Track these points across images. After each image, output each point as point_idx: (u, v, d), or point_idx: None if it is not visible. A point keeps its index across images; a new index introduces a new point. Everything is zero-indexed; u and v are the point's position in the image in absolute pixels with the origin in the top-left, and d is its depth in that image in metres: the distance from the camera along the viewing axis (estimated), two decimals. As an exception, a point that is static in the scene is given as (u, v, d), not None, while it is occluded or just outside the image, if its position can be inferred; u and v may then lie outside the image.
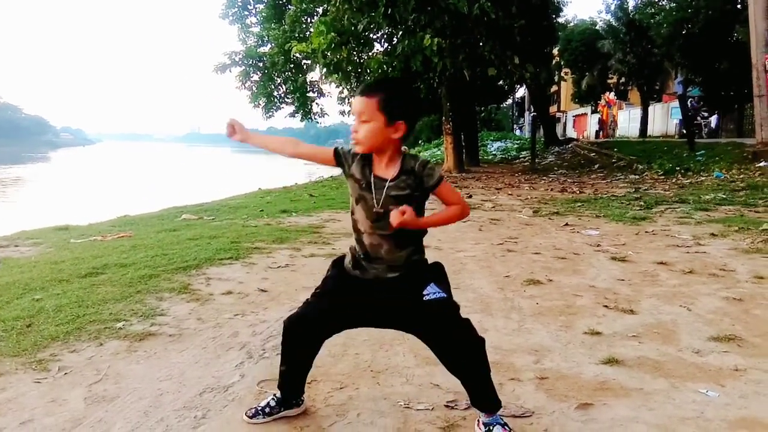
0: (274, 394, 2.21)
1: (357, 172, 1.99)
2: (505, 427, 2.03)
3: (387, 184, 1.94)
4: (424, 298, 1.96)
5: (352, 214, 2.04)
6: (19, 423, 2.15)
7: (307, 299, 2.14)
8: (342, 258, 2.12)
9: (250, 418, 2.16)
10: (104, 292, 3.77)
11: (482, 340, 2.02)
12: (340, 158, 2.03)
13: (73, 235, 6.49)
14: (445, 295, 1.99)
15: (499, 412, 2.06)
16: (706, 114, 21.75)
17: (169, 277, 4.23)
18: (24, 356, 2.74)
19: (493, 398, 2.04)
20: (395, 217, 1.87)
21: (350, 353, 2.85)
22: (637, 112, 33.13)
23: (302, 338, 2.11)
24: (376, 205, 1.95)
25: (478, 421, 2.07)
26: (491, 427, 2.02)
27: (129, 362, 2.73)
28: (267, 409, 2.17)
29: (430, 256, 2.10)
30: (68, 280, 4.09)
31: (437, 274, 2.04)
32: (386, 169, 1.96)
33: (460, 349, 1.99)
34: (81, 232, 6.69)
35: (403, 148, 2.03)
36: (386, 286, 2.00)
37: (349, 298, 2.04)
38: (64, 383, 2.49)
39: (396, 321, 2.08)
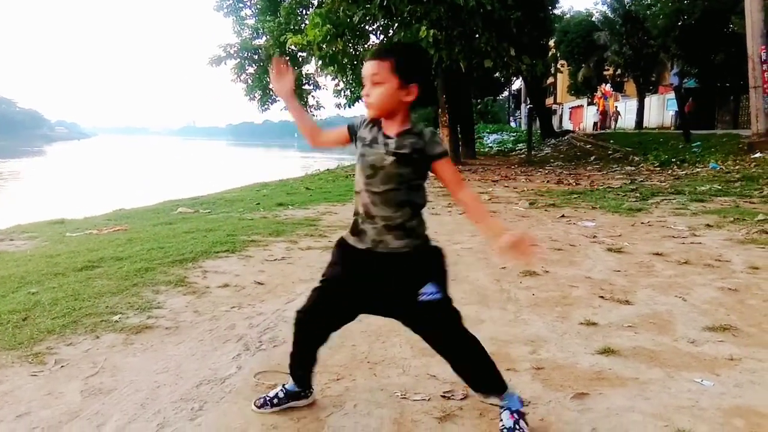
0: (283, 385, 2.22)
1: (365, 133, 1.98)
2: (513, 414, 2.01)
3: (392, 139, 1.91)
4: (419, 299, 1.90)
5: (356, 175, 2.02)
6: (16, 416, 2.15)
7: (314, 289, 2.10)
8: (343, 238, 2.07)
9: (259, 407, 2.18)
10: (100, 286, 3.77)
11: (473, 341, 2.01)
12: (352, 128, 2.03)
13: (68, 228, 6.47)
14: (440, 297, 1.94)
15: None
16: None
17: (165, 270, 4.23)
18: (20, 349, 2.73)
19: (497, 380, 2.04)
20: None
21: (347, 345, 2.86)
22: (633, 103, 33.13)
23: (310, 329, 2.14)
24: (378, 160, 1.91)
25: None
26: (500, 413, 2.03)
27: (125, 355, 2.73)
28: (275, 400, 2.19)
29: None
30: (64, 273, 4.08)
31: (437, 267, 1.97)
32: (394, 130, 1.94)
33: (453, 352, 2.01)
34: (76, 226, 6.67)
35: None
36: (384, 269, 1.94)
37: (351, 286, 2.00)
38: (61, 376, 2.49)
39: (394, 314, 2.06)
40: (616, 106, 32.79)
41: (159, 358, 2.69)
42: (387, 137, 1.93)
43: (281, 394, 2.20)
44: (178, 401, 2.27)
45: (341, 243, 2.05)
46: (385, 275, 1.94)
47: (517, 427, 1.98)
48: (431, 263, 1.97)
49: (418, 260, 1.94)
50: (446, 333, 1.99)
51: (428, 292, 1.91)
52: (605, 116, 32.62)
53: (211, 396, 2.32)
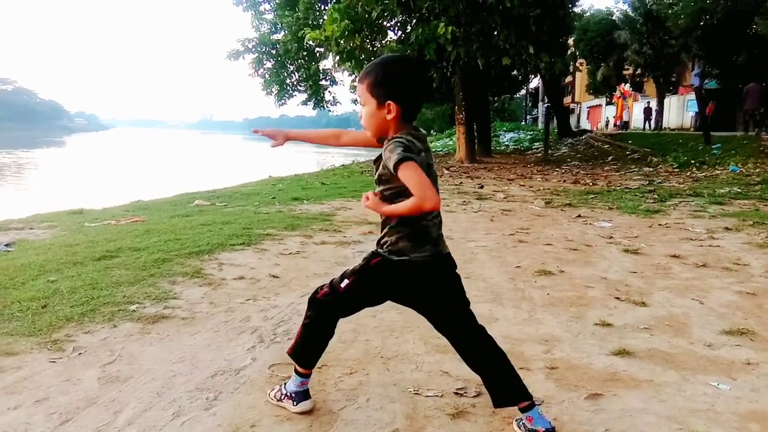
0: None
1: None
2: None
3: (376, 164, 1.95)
4: None
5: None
6: (35, 401, 2.19)
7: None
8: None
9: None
10: (118, 275, 3.81)
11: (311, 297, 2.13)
12: None
13: (87, 218, 6.56)
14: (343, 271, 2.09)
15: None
16: None
17: (181, 261, 4.27)
18: (39, 336, 2.78)
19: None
20: (362, 201, 1.92)
21: (360, 339, 2.87)
22: (652, 104, 32.74)
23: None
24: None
25: None
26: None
27: (142, 344, 2.76)
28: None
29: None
30: (82, 262, 4.13)
31: (370, 257, 2.02)
32: None
33: None
34: (95, 216, 6.75)
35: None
36: None
37: None
38: (79, 363, 2.53)
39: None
40: (629, 107, 32.30)
41: (175, 348, 2.72)
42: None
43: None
44: (194, 391, 2.29)
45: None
46: None
47: None
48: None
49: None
50: None
51: None
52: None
53: (226, 386, 2.34)
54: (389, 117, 1.88)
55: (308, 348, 2.14)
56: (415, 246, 1.92)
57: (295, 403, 2.14)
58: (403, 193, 1.83)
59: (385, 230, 1.96)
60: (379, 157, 1.91)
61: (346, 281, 2.03)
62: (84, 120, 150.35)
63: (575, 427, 2.06)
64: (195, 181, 13.43)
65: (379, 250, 1.97)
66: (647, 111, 32.31)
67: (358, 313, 3.15)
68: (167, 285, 3.69)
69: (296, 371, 2.16)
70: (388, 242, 1.94)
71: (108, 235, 5.29)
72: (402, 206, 1.83)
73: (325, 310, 2.09)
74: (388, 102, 1.87)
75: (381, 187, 1.93)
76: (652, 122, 31.82)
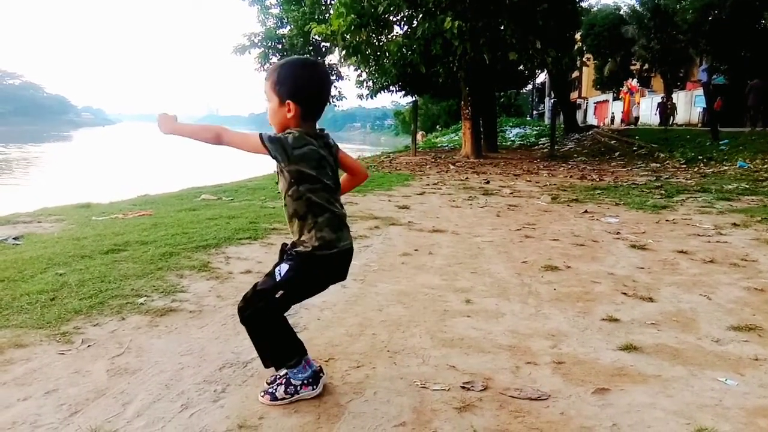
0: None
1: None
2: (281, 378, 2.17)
3: None
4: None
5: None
6: (44, 392, 2.21)
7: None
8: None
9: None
10: (126, 269, 3.83)
11: (245, 316, 2.12)
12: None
13: (94, 212, 6.58)
14: (271, 279, 2.08)
15: (286, 371, 2.17)
16: None
17: (189, 255, 4.28)
18: (48, 328, 2.79)
19: (262, 358, 2.19)
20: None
21: (367, 333, 2.88)
22: (659, 99, 32.53)
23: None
24: None
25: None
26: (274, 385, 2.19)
27: (150, 336, 2.78)
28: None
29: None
30: (91, 256, 4.16)
31: (295, 259, 2.07)
32: None
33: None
34: (102, 210, 6.77)
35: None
36: None
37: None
38: (87, 355, 2.55)
39: None
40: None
41: (183, 341, 2.74)
42: None
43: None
44: (202, 383, 2.31)
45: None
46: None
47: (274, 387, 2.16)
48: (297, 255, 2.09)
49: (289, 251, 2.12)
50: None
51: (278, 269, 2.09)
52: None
53: (234, 379, 2.35)
54: (289, 116, 2.00)
55: (278, 350, 2.16)
56: (338, 236, 2.09)
57: (314, 387, 2.17)
58: (294, 184, 2.02)
59: (304, 230, 2.05)
60: None
61: (280, 292, 2.07)
62: (90, 114, 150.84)
63: (582, 422, 2.06)
64: (201, 175, 13.45)
65: (305, 249, 2.05)
66: (661, 106, 31.97)
67: (365, 308, 3.17)
68: (175, 278, 3.70)
69: (289, 367, 2.17)
70: (312, 239, 2.04)
71: (115, 228, 5.31)
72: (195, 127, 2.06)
73: (265, 321, 2.12)
74: (288, 101, 1.99)
75: (281, 181, 2.06)
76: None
